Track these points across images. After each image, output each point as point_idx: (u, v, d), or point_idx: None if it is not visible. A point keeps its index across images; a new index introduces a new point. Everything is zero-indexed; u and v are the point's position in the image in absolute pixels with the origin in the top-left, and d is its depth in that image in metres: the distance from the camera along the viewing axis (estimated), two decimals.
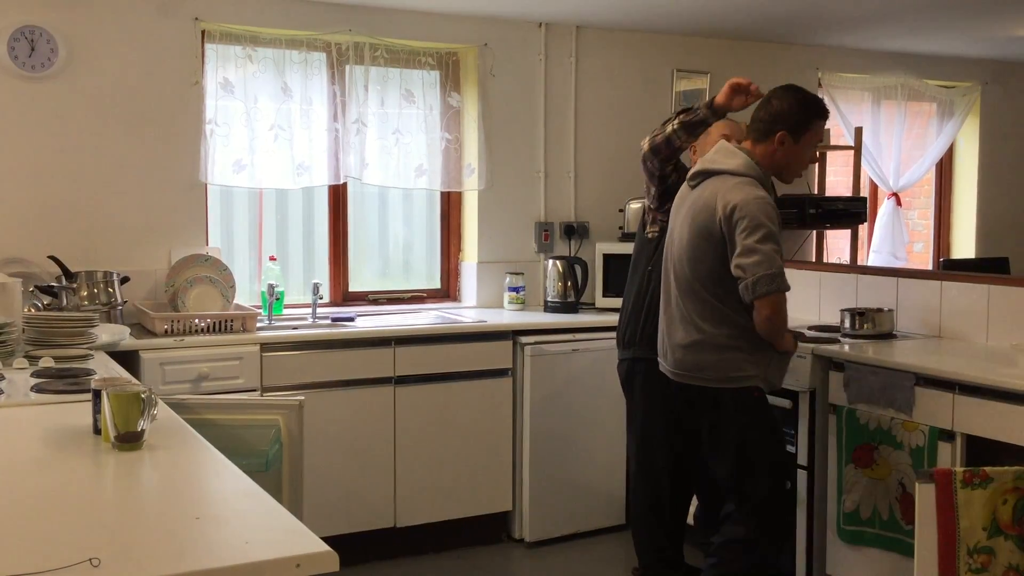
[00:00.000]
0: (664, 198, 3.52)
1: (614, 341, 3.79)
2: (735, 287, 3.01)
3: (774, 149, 3.13)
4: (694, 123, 3.38)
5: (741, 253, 2.96)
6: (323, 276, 4.77)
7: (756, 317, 3.00)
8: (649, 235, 3.65)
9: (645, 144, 3.52)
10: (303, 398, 2.93)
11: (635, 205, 4.98)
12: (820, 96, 5.78)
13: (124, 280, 4.07)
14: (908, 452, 3.29)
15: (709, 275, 3.08)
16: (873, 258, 6.12)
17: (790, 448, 3.63)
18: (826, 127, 5.63)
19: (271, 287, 4.35)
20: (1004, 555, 2.45)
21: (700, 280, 3.11)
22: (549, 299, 4.78)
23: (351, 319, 4.45)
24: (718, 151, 3.21)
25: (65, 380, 2.80)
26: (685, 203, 3.23)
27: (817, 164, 5.74)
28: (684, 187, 3.30)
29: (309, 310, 4.46)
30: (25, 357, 3.11)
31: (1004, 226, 6.33)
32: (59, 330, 3.31)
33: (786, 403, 3.78)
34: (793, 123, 3.10)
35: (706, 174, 3.16)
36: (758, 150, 3.14)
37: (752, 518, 3.19)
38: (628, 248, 4.12)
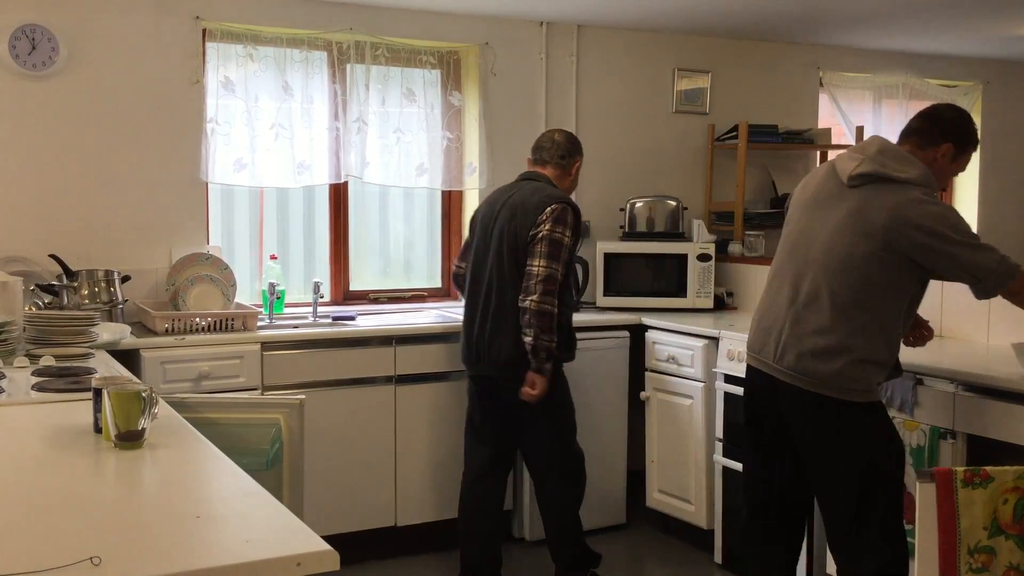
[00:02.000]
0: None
1: (615, 340, 3.80)
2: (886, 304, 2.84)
3: (935, 158, 2.92)
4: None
5: (964, 266, 2.80)
6: (324, 275, 4.77)
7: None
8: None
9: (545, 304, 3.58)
10: (304, 397, 2.92)
11: (638, 204, 4.98)
12: (822, 96, 5.79)
13: (125, 279, 4.07)
14: (909, 451, 3.29)
15: (863, 286, 2.81)
16: None
17: None
18: (828, 127, 5.68)
19: (272, 286, 4.35)
20: (1005, 554, 2.45)
21: (850, 288, 2.82)
22: None
23: (352, 318, 4.45)
24: (885, 153, 2.88)
25: (66, 379, 2.80)
26: (840, 203, 2.87)
27: (819, 163, 5.74)
28: (825, 179, 2.95)
29: (310, 309, 4.46)
30: (26, 356, 3.11)
31: (1006, 225, 6.33)
32: (60, 329, 3.31)
33: None
34: (961, 140, 2.94)
35: (877, 178, 2.84)
36: (919, 156, 2.92)
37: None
38: (630, 247, 4.14)
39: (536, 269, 3.59)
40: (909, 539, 3.08)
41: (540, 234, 3.61)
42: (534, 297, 3.56)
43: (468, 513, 3.90)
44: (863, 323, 2.80)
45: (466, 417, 3.98)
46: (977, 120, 6.33)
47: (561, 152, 3.86)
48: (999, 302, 3.77)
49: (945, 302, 3.96)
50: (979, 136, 3.05)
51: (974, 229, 6.60)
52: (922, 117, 3.01)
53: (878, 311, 2.82)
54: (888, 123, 6.07)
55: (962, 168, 3.04)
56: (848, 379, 2.79)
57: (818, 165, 5.73)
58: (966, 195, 6.44)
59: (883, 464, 2.84)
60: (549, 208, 3.63)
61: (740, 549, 3.25)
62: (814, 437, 2.88)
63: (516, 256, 3.67)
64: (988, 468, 2.56)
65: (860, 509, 2.83)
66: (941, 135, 2.93)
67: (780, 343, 2.90)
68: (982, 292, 2.86)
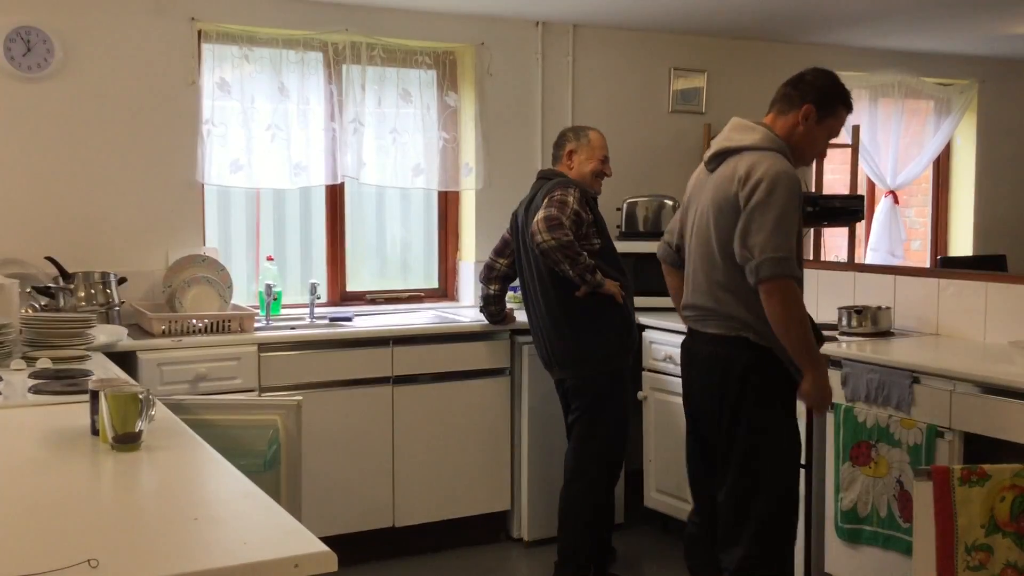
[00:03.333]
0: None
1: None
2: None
3: (796, 123, 2.97)
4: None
5: (749, 231, 2.78)
6: (321, 276, 4.76)
7: (764, 304, 2.79)
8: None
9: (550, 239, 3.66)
10: (301, 398, 2.92)
11: (635, 204, 4.98)
12: None
13: (121, 281, 4.07)
14: (906, 450, 3.29)
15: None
16: (871, 256, 6.13)
17: None
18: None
19: (269, 287, 4.35)
20: (1002, 552, 2.45)
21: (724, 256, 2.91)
22: None
23: (349, 319, 4.45)
24: (733, 128, 3.01)
25: (63, 381, 2.80)
26: (705, 188, 3.01)
27: (815, 161, 5.74)
28: (700, 171, 3.11)
29: (307, 310, 4.46)
30: (22, 358, 3.10)
31: (1002, 224, 6.33)
32: (56, 331, 3.31)
33: None
34: (822, 100, 2.96)
35: (724, 154, 2.96)
36: (779, 123, 2.99)
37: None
38: (626, 246, 4.14)
39: (536, 216, 3.74)
40: (906, 537, 3.08)
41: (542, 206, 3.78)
42: (543, 236, 3.67)
43: (559, 516, 3.96)
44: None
45: None
46: (973, 118, 6.35)
47: (555, 146, 4.09)
48: (996, 300, 3.78)
49: (943, 300, 3.97)
50: (848, 97, 3.04)
51: (970, 226, 6.61)
52: (784, 84, 3.07)
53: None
54: (884, 122, 6.08)
55: (834, 132, 3.05)
56: None
57: (813, 164, 5.74)
58: (963, 192, 6.44)
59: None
60: (547, 195, 3.80)
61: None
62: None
63: (543, 261, 3.80)
64: (985, 466, 2.56)
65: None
66: (800, 98, 2.97)
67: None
68: (752, 274, 2.83)
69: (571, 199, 3.76)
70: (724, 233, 2.89)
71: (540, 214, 3.72)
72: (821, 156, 3.08)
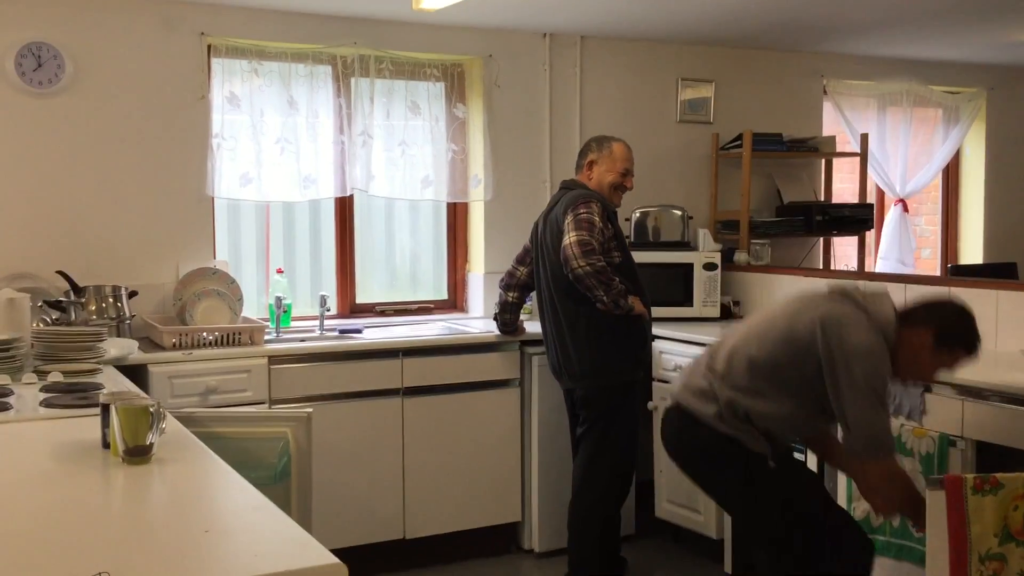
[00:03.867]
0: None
1: None
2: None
3: (912, 338, 2.83)
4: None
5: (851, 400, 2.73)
6: (330, 288, 4.77)
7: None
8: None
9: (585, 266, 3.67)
10: (311, 410, 2.93)
11: (644, 214, 4.98)
12: (827, 104, 5.79)
13: (132, 294, 4.08)
14: (918, 459, 3.28)
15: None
16: (880, 264, 6.11)
17: (798, 456, 3.61)
18: (832, 134, 5.68)
19: (278, 300, 4.36)
20: (1016, 561, 2.44)
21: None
22: None
23: (358, 331, 4.46)
24: (873, 292, 2.90)
25: (74, 395, 2.80)
26: (804, 297, 2.96)
27: (823, 171, 5.74)
28: (818, 291, 2.99)
29: (316, 322, 4.46)
30: (34, 372, 3.11)
31: (1012, 231, 6.31)
32: (68, 345, 3.32)
33: None
34: (943, 331, 2.82)
35: (845, 296, 2.87)
36: (904, 333, 2.83)
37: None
38: (636, 257, 4.13)
39: (567, 239, 3.72)
40: (919, 547, 3.07)
41: (566, 222, 3.77)
42: (578, 263, 3.67)
43: (569, 528, 3.97)
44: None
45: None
46: (982, 126, 6.35)
47: (579, 154, 4.11)
48: (1007, 308, 3.77)
49: None
50: (976, 345, 2.88)
51: (980, 234, 6.57)
52: (919, 302, 2.97)
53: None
54: (893, 130, 6.07)
55: (942, 365, 2.91)
56: None
57: (823, 173, 5.73)
58: (973, 200, 6.43)
59: None
60: (570, 210, 3.78)
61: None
62: None
63: (559, 270, 3.81)
64: (998, 475, 2.55)
65: None
66: (926, 317, 2.86)
67: None
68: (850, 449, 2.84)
69: (596, 217, 3.75)
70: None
71: (572, 236, 3.69)
72: (929, 380, 3.07)
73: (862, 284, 2.99)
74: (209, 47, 4.35)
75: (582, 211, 3.74)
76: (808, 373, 2.80)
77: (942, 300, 2.95)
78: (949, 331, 2.83)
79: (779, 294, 4.78)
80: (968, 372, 3.24)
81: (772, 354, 2.86)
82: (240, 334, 4.00)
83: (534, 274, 4.08)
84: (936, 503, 2.43)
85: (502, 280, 4.32)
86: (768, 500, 2.93)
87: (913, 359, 2.84)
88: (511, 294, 4.28)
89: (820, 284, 4.55)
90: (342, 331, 4.44)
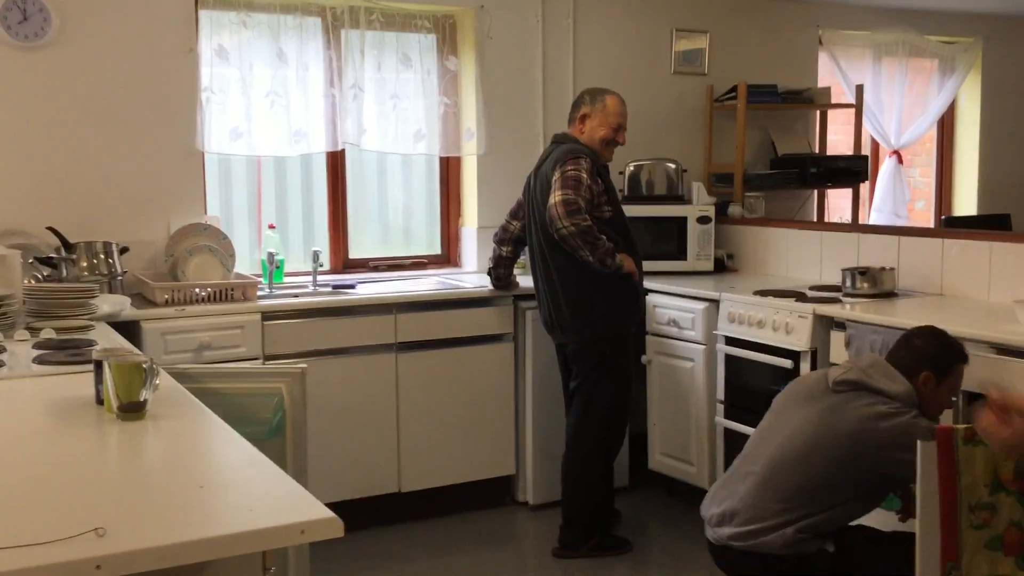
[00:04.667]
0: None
1: None
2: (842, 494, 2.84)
3: (919, 387, 2.88)
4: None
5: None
6: (323, 244, 4.75)
7: None
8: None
9: (570, 225, 3.64)
10: (305, 366, 2.92)
11: (638, 167, 4.96)
12: (822, 55, 5.74)
13: (124, 250, 4.06)
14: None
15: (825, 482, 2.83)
16: (874, 217, 6.11)
17: None
18: (827, 86, 5.64)
19: (271, 255, 4.34)
20: (1006, 511, 2.46)
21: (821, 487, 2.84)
22: None
23: (352, 286, 4.45)
24: (876, 368, 2.89)
25: (66, 351, 2.80)
26: (819, 401, 2.89)
27: (818, 123, 5.71)
28: (815, 383, 2.97)
29: (309, 278, 4.45)
30: (26, 329, 3.10)
31: (1006, 183, 6.30)
32: (59, 301, 3.31)
33: (787, 363, 3.78)
34: (936, 365, 2.89)
35: (857, 386, 2.85)
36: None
37: None
38: (629, 210, 4.12)
39: (552, 198, 3.69)
40: (891, 508, 3.11)
41: (553, 179, 3.73)
42: (562, 223, 3.65)
43: (563, 481, 4.00)
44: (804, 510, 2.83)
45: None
46: (978, 76, 6.31)
47: (572, 106, 4.05)
48: (1001, 259, 3.77)
49: (947, 260, 3.95)
50: (963, 352, 2.94)
51: (975, 185, 6.58)
52: (897, 346, 2.99)
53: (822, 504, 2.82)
54: (888, 81, 6.03)
55: (953, 389, 2.97)
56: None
57: (817, 124, 5.71)
58: (967, 152, 6.41)
59: None
60: (558, 167, 3.75)
61: None
62: None
63: (547, 225, 3.78)
64: None
65: None
66: (916, 364, 2.89)
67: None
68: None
69: (584, 174, 3.71)
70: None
71: (557, 196, 3.66)
72: (948, 406, 3.04)
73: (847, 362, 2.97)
74: None
75: (570, 168, 3.71)
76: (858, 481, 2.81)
77: (911, 340, 2.96)
78: (941, 361, 2.90)
79: (773, 247, 4.78)
80: (961, 324, 3.26)
81: (811, 475, 2.80)
82: (233, 290, 3.99)
83: (526, 228, 4.07)
84: (927, 454, 2.44)
85: (496, 234, 4.31)
86: None
87: (930, 399, 2.88)
88: (504, 248, 4.27)
89: (813, 236, 4.57)
90: (335, 286, 4.43)
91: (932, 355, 2.90)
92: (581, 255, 3.69)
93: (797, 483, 2.82)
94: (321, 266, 4.49)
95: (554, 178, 3.72)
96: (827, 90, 5.56)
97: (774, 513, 2.82)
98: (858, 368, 2.89)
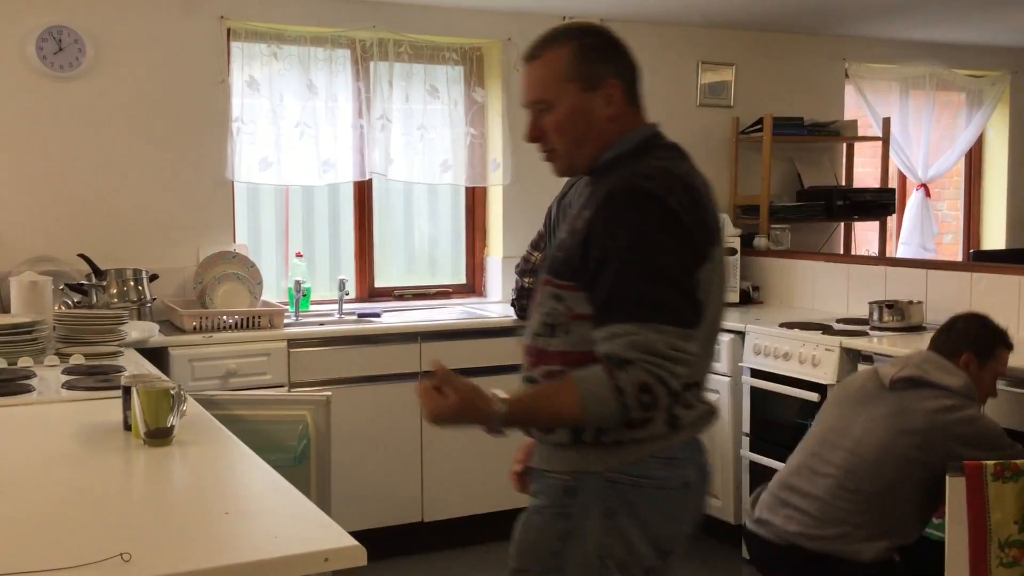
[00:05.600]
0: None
1: None
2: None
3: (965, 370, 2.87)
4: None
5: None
6: (349, 272, 4.78)
7: None
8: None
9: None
10: (330, 393, 2.94)
11: None
12: (848, 87, 5.74)
13: (153, 277, 4.10)
14: None
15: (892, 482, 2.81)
16: (902, 250, 6.06)
17: None
18: (854, 118, 5.63)
19: (298, 283, 4.37)
20: None
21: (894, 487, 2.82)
22: None
23: (377, 315, 4.47)
24: (930, 362, 2.87)
25: (95, 377, 2.82)
26: (878, 401, 2.86)
27: (844, 156, 5.70)
28: (870, 376, 2.96)
29: (335, 306, 4.48)
30: (56, 355, 3.14)
31: None
32: (89, 327, 3.34)
33: (813, 396, 3.75)
34: (977, 346, 2.89)
35: (919, 384, 2.82)
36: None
37: None
38: None
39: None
40: (939, 533, 3.06)
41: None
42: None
43: None
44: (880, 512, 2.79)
45: None
46: (1006, 110, 6.28)
47: None
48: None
49: (975, 294, 3.92)
50: (1006, 337, 2.94)
51: (1003, 219, 6.52)
52: (939, 332, 2.99)
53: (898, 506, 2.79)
54: (915, 114, 6.01)
55: (996, 374, 2.96)
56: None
57: (844, 157, 5.69)
58: (995, 185, 6.36)
59: None
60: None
61: None
62: None
63: None
64: (1019, 462, 2.53)
65: None
66: (957, 345, 2.89)
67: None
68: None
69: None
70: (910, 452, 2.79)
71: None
72: (991, 395, 3.03)
73: (905, 356, 2.95)
74: (229, 31, 4.36)
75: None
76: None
77: (954, 324, 2.96)
78: (982, 342, 2.89)
79: (799, 279, 4.76)
80: None
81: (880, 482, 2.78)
82: (260, 318, 4.02)
83: None
84: (956, 490, 2.42)
85: (518, 265, 4.31)
86: None
87: (976, 385, 2.86)
88: (527, 279, 4.27)
89: (840, 269, 4.54)
90: (361, 315, 4.45)
91: (974, 335, 2.89)
92: None
93: (874, 487, 2.77)
94: (347, 294, 4.51)
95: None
96: (854, 123, 5.55)
97: (852, 515, 2.76)
98: (913, 364, 2.86)
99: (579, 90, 1.90)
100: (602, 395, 1.72)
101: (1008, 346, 2.94)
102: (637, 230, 1.73)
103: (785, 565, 2.91)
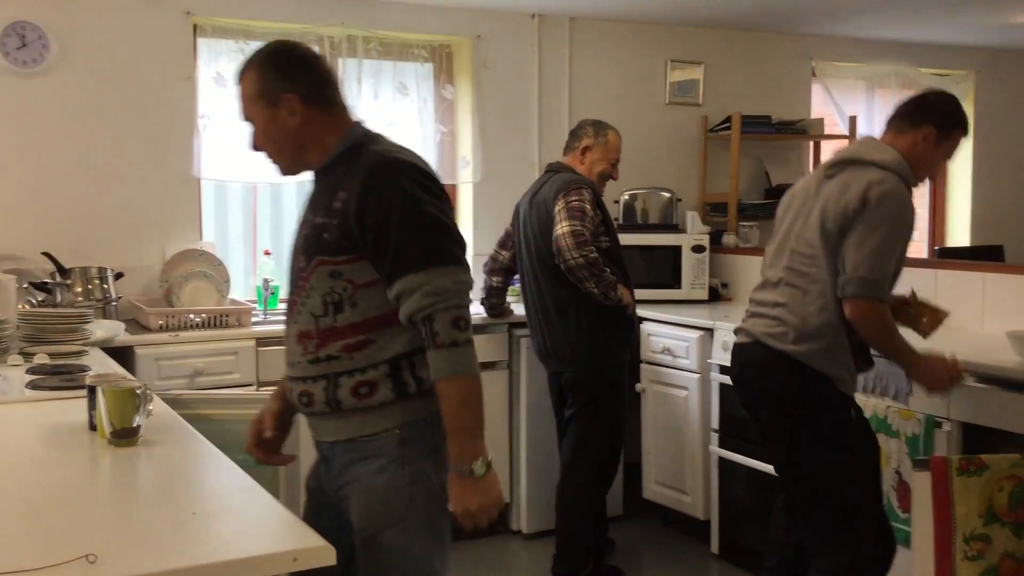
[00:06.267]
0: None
1: None
2: None
3: (916, 143, 2.93)
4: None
5: (849, 246, 2.79)
6: None
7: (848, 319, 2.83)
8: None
9: (578, 257, 3.65)
10: None
11: (632, 196, 4.98)
12: (815, 86, 5.79)
13: (118, 276, 4.06)
14: (904, 440, 3.29)
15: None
16: None
17: None
18: (820, 117, 5.68)
19: (266, 281, 4.34)
20: (1000, 542, 2.46)
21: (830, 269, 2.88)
22: None
23: None
24: (864, 144, 2.99)
25: (60, 377, 2.79)
26: (817, 194, 2.93)
27: (812, 154, 5.74)
28: (814, 177, 3.02)
29: None
30: (20, 354, 3.10)
31: (998, 214, 6.33)
32: (54, 326, 3.31)
33: None
34: (942, 122, 2.94)
35: (849, 164, 2.90)
36: (899, 142, 2.95)
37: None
38: (624, 239, 4.13)
39: (560, 228, 3.69)
40: (904, 527, 3.09)
41: (557, 209, 3.73)
42: (571, 254, 3.65)
43: (557, 510, 3.95)
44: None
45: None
46: (969, 109, 6.34)
47: (571, 135, 4.04)
48: (994, 290, 3.78)
49: (940, 291, 3.97)
50: (967, 122, 3.02)
51: (967, 216, 6.56)
52: (905, 102, 3.05)
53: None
54: (881, 112, 6.07)
55: (949, 155, 3.03)
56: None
57: (811, 155, 5.74)
58: (960, 183, 6.44)
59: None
60: (562, 196, 3.74)
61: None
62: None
63: (546, 254, 3.78)
64: (983, 456, 2.57)
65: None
66: (923, 116, 2.95)
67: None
68: (839, 288, 2.83)
69: (587, 204, 3.72)
70: (832, 238, 2.85)
71: (565, 227, 3.66)
72: (935, 176, 3.08)
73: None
74: (195, 27, 4.32)
75: (574, 199, 3.72)
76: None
77: (923, 96, 3.04)
78: (948, 119, 2.94)
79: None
80: (954, 354, 3.26)
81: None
82: (227, 316, 3.99)
83: (517, 258, 4.07)
84: (922, 484, 2.45)
85: (486, 264, 4.31)
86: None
87: (923, 160, 2.93)
88: (495, 278, 4.28)
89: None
90: None
91: (941, 111, 2.94)
92: (587, 286, 3.69)
93: (814, 257, 2.85)
94: None
95: (557, 208, 3.72)
96: (820, 121, 5.60)
97: (802, 305, 2.86)
98: (847, 149, 2.96)
99: (265, 106, 2.22)
100: (456, 359, 2.01)
101: (965, 131, 3.00)
102: (404, 192, 2.07)
103: (755, 361, 3.01)
